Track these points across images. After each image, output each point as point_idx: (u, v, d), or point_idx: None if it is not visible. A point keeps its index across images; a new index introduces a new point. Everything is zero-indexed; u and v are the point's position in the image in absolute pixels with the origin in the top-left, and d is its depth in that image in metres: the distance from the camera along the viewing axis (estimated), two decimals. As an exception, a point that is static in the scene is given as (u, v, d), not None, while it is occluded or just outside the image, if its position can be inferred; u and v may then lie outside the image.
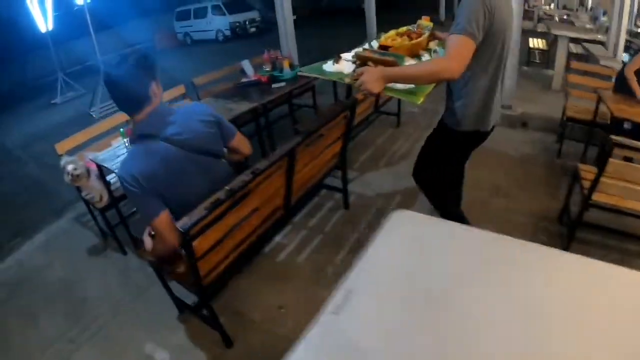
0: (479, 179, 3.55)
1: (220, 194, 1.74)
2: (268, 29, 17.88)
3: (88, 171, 2.90)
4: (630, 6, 6.24)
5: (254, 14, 17.51)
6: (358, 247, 2.91)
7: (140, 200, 1.68)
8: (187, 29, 17.45)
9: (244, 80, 4.16)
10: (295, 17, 19.09)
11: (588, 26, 9.72)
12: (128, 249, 3.20)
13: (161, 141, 1.71)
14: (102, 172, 2.84)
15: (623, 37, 6.11)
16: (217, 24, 16.73)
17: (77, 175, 2.81)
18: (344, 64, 2.08)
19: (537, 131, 4.63)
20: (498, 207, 3.30)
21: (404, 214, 1.25)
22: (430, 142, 2.37)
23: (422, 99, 1.74)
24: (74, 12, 7.39)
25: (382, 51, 2.20)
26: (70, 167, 2.80)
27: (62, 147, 3.08)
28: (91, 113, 7.95)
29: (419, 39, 2.30)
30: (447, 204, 2.53)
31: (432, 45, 2.40)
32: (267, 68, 4.30)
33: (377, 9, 7.71)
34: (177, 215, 1.70)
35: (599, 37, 7.09)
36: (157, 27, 16.83)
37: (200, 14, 17.07)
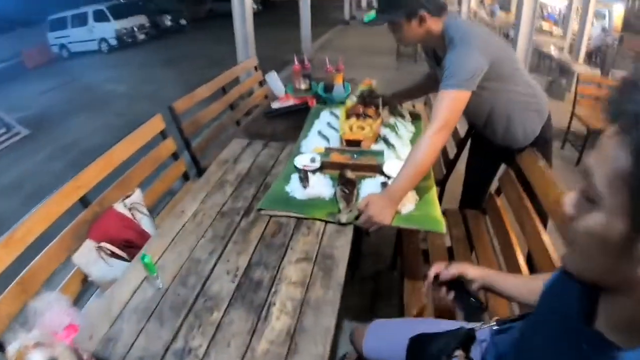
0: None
1: None
2: (159, 35, 15.74)
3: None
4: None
5: (143, 19, 15.08)
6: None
7: None
8: (63, 40, 14.29)
9: (276, 105, 2.55)
10: (186, 21, 16.94)
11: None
12: None
13: None
14: None
15: (585, 42, 6.64)
16: (101, 32, 14.00)
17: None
18: (317, 183, 1.66)
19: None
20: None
21: None
22: (482, 170, 2.19)
23: (443, 224, 1.47)
24: None
25: (354, 149, 1.91)
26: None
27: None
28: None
29: (378, 119, 2.08)
30: None
31: (386, 116, 2.22)
32: (303, 85, 2.71)
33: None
34: None
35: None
36: (29, 41, 13.52)
37: (80, 21, 14.12)
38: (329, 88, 2.67)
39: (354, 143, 1.95)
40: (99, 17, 14.03)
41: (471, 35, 1.57)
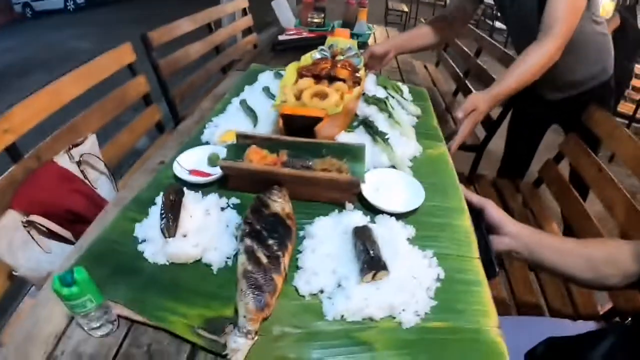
0: None
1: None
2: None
3: None
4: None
5: (113, -27, 13.74)
6: None
7: None
8: (27, -2, 12.83)
9: (286, 36, 1.95)
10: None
11: None
12: None
13: None
14: None
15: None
16: (67, -12, 12.62)
17: None
18: (201, 228, 0.75)
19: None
20: None
21: None
22: (531, 131, 1.80)
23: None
24: None
25: (299, 141, 0.89)
26: None
27: None
28: None
29: (356, 87, 1.15)
30: None
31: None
32: (316, 18, 2.18)
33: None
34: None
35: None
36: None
37: (44, -23, 12.63)
38: (348, 25, 2.18)
39: (301, 123, 0.94)
40: (65, -29, 12.64)
41: None
